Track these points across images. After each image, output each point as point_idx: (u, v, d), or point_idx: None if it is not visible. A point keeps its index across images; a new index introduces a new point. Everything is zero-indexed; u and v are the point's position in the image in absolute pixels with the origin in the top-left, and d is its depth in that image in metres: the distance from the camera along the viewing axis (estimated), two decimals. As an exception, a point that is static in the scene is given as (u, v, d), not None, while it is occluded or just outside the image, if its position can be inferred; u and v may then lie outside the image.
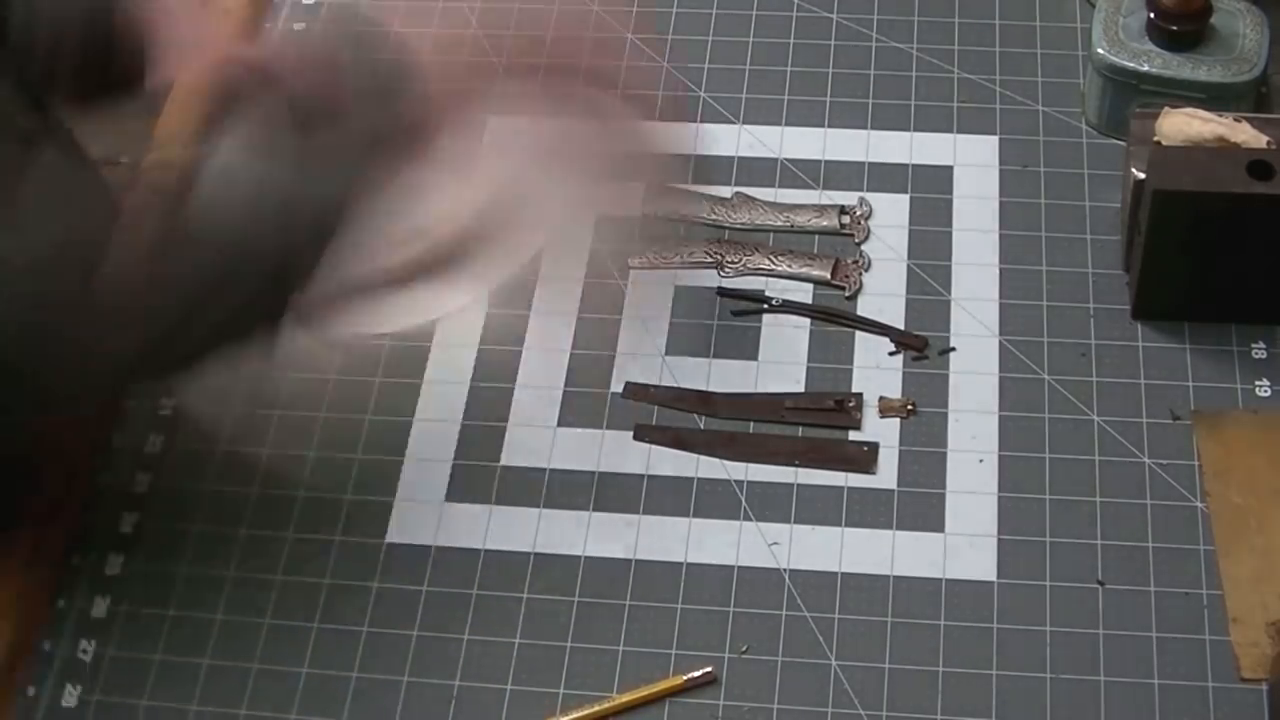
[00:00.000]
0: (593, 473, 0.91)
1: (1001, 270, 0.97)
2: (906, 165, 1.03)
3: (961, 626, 0.84)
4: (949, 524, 0.88)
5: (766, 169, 1.04)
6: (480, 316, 0.98)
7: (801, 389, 0.94)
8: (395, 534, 0.90)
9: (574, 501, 0.90)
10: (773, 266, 0.99)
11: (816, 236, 1.00)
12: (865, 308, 0.97)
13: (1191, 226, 0.88)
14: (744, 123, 1.06)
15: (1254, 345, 0.93)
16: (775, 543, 0.88)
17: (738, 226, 1.01)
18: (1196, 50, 0.97)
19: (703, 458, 0.91)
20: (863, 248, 0.99)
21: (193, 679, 0.86)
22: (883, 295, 0.97)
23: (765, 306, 0.97)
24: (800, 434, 0.92)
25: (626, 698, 0.83)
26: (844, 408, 0.92)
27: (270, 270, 0.80)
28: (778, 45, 1.10)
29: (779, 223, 1.01)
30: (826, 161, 1.04)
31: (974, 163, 1.02)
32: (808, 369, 0.94)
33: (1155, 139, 0.92)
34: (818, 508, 0.89)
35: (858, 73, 1.08)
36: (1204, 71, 0.97)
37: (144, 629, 0.88)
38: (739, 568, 0.87)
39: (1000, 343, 0.94)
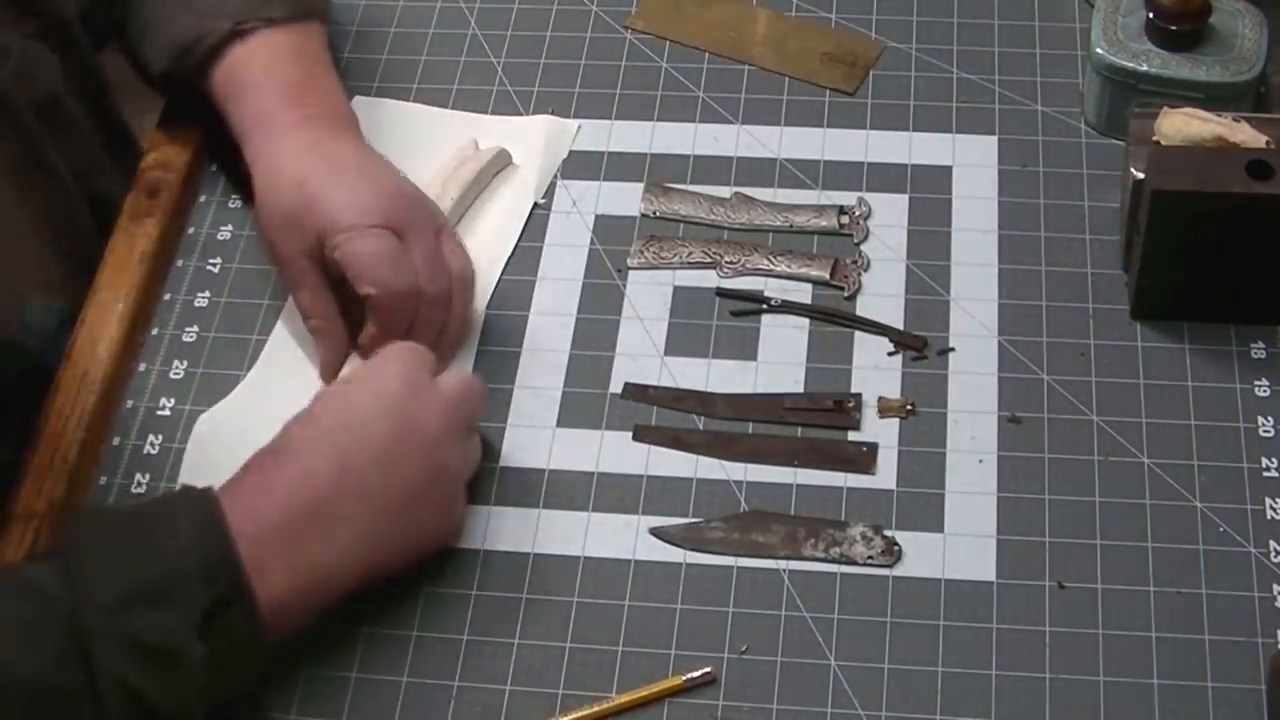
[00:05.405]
0: (592, 473, 0.91)
1: (1000, 270, 0.97)
2: (905, 165, 1.03)
3: (961, 626, 0.84)
4: (948, 524, 0.88)
5: (765, 169, 1.04)
6: (479, 318, 0.98)
7: (800, 389, 0.94)
8: (394, 534, 0.90)
9: (573, 502, 0.90)
10: (771, 267, 0.99)
11: (815, 237, 1.00)
12: (864, 308, 0.97)
13: (1190, 226, 0.88)
14: (743, 123, 1.06)
15: (1254, 345, 0.93)
16: (775, 543, 0.88)
17: (737, 227, 1.01)
18: (1195, 50, 0.98)
19: (702, 458, 0.91)
20: (862, 248, 0.99)
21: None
22: (882, 295, 0.97)
23: (764, 307, 0.97)
24: (799, 434, 0.92)
25: (626, 698, 0.83)
26: (843, 408, 0.92)
27: None
28: (777, 45, 1.10)
29: (778, 223, 1.01)
30: (825, 162, 1.04)
31: (973, 163, 1.02)
32: (807, 369, 0.94)
33: (1154, 139, 0.92)
34: (817, 508, 0.89)
35: (857, 73, 1.08)
36: (1203, 71, 0.97)
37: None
38: (738, 568, 0.87)
39: (999, 343, 0.94)
